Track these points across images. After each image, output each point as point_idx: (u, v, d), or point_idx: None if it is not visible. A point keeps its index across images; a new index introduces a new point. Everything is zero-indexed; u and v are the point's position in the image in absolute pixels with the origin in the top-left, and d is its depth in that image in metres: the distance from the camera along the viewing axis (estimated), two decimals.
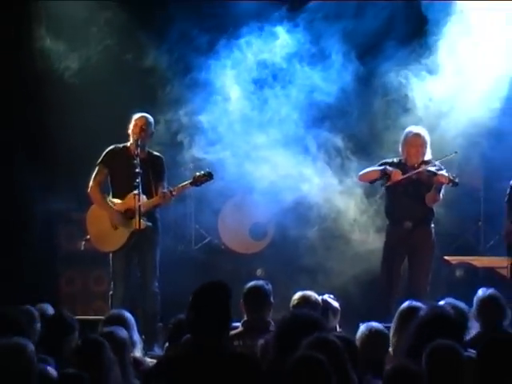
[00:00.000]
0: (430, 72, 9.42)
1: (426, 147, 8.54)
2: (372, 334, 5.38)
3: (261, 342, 5.30)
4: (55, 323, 5.78)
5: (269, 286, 6.48)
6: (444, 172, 8.36)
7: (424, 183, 8.47)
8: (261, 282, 6.58)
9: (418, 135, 8.53)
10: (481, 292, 6.25)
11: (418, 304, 5.79)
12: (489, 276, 9.56)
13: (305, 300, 6.44)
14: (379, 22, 9.67)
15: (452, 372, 4.39)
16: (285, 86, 10.03)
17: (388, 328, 5.77)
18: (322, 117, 9.99)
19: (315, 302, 6.46)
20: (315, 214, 10.07)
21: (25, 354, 4.34)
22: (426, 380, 4.35)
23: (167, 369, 4.51)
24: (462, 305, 5.82)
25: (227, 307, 4.58)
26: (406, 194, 8.50)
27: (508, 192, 8.30)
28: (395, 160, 8.64)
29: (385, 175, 8.54)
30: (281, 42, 9.93)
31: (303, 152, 9.96)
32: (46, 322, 5.88)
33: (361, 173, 8.80)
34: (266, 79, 10.08)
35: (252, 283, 6.54)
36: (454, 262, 10.04)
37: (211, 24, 9.97)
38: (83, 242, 8.68)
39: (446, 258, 10.08)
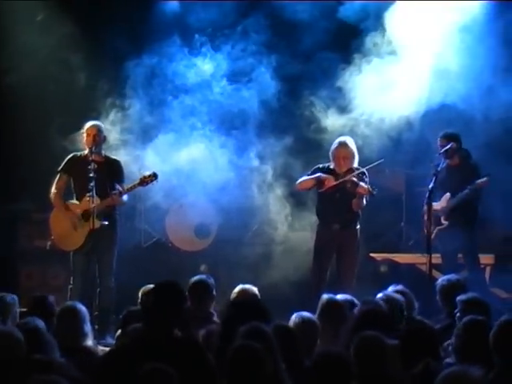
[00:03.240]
0: (348, 92, 9.69)
1: (352, 156, 8.88)
2: (302, 322, 5.63)
3: (202, 332, 5.54)
4: None
5: (211, 280, 6.80)
6: (363, 184, 8.70)
7: (349, 191, 8.82)
8: (204, 277, 6.89)
9: (344, 145, 8.88)
10: (390, 289, 6.62)
11: (337, 297, 6.24)
12: (410, 271, 9.90)
13: (244, 293, 6.69)
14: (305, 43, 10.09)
15: (377, 358, 4.63)
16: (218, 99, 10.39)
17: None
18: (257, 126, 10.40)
19: (253, 295, 6.71)
20: (254, 216, 10.42)
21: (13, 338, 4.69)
22: (354, 367, 4.47)
23: (119, 356, 4.67)
24: (398, 296, 6.21)
25: (182, 305, 4.87)
26: (334, 200, 8.84)
27: (427, 195, 8.47)
28: (327, 165, 8.95)
29: (319, 182, 8.87)
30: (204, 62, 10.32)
31: (242, 160, 10.34)
32: None
33: (298, 182, 9.08)
34: (198, 93, 10.37)
35: (196, 277, 6.85)
36: (378, 259, 10.38)
37: (142, 46, 10.25)
38: (49, 242, 8.97)
39: (371, 254, 10.42)
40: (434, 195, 8.76)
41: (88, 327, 5.87)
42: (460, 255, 9.37)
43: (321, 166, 9.05)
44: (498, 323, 4.86)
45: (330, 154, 8.99)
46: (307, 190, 9.21)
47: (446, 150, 8.98)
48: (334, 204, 8.89)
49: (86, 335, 5.79)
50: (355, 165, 8.97)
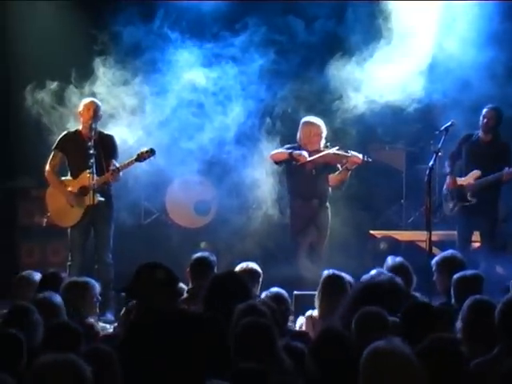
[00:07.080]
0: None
1: (323, 135, 9.05)
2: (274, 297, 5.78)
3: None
4: None
5: (213, 258, 6.83)
6: (355, 153, 8.86)
7: (329, 165, 8.97)
8: (206, 254, 6.93)
9: (317, 124, 9.04)
10: (390, 260, 6.66)
11: (340, 273, 6.26)
12: (410, 248, 9.93)
13: (247, 271, 6.78)
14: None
15: (378, 334, 4.47)
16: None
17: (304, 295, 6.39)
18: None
19: (256, 273, 6.83)
20: (253, 194, 10.29)
21: None
22: (354, 341, 4.53)
23: (137, 334, 4.46)
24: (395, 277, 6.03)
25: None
26: (311, 176, 8.95)
27: (427, 173, 8.33)
28: (296, 145, 9.07)
29: (292, 158, 8.96)
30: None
31: (242, 140, 10.33)
32: None
33: (272, 153, 9.22)
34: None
35: (198, 254, 6.90)
36: (378, 236, 10.43)
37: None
38: (45, 219, 8.96)
39: (371, 232, 10.49)
40: (434, 173, 8.70)
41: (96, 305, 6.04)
42: (476, 232, 9.32)
43: (291, 145, 9.14)
44: (504, 301, 4.85)
45: (300, 132, 9.08)
46: (279, 162, 9.23)
47: (447, 128, 8.87)
48: (312, 180, 9.00)
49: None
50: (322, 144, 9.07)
